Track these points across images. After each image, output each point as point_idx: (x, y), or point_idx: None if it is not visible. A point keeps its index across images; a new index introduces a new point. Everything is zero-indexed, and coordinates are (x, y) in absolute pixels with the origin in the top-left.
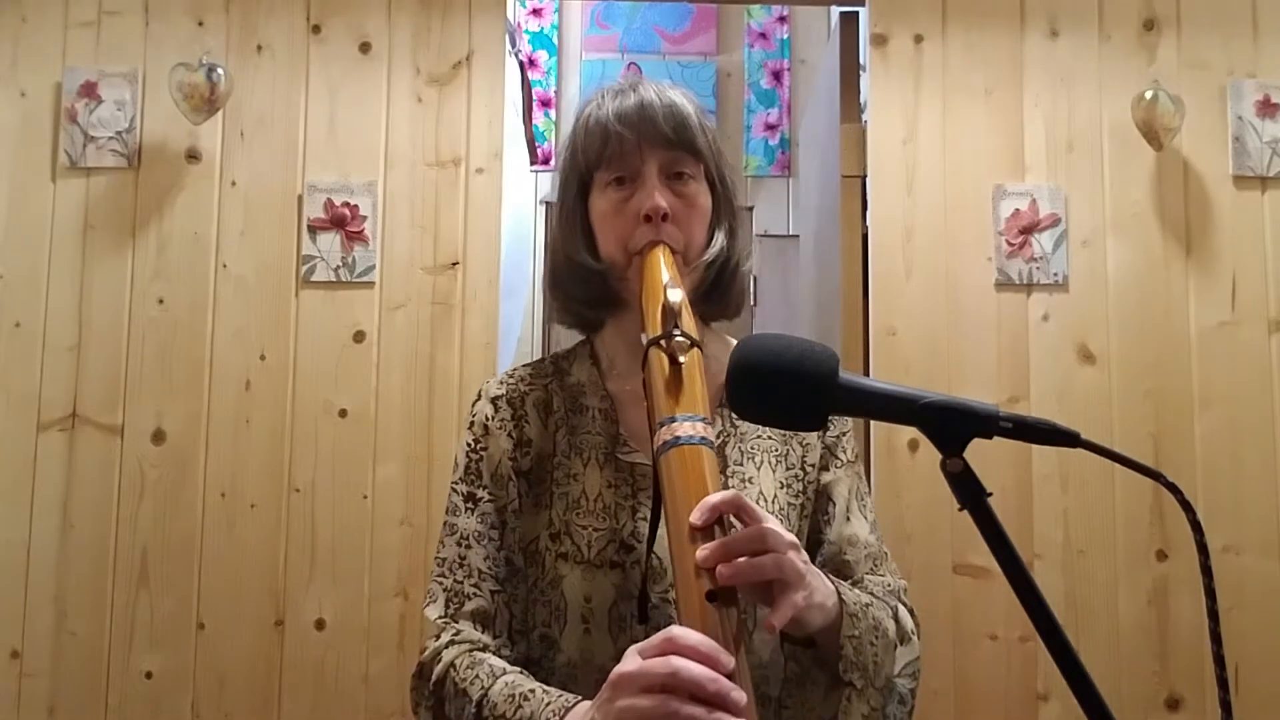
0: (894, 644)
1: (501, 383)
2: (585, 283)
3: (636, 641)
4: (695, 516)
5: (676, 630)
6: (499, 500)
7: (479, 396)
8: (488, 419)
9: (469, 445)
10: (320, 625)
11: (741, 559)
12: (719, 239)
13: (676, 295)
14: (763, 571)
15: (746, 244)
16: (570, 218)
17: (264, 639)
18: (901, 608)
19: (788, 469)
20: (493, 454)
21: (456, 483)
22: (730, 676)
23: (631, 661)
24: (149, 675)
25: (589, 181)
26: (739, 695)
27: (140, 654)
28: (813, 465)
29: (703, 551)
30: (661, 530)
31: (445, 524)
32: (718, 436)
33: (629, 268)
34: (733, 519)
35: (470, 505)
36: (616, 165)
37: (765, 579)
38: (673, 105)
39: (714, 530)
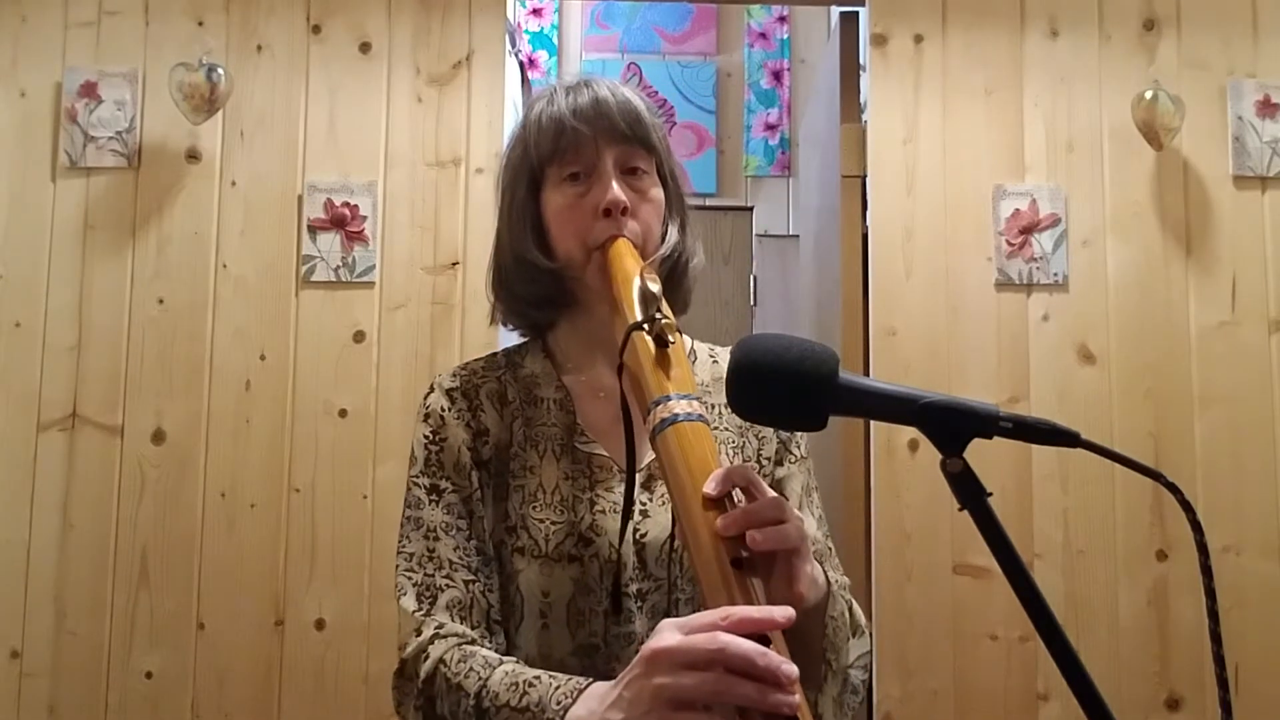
0: (849, 635)
1: (455, 375)
2: (535, 282)
3: (595, 636)
4: (709, 486)
5: (730, 608)
6: (463, 490)
7: (431, 389)
8: (443, 410)
9: (426, 438)
10: (320, 625)
11: (770, 528)
12: (673, 233)
13: (655, 283)
14: (787, 539)
15: (695, 241)
16: (520, 216)
17: (264, 639)
18: (853, 601)
19: (744, 461)
20: (451, 444)
21: (416, 476)
22: (767, 641)
23: (670, 636)
24: (149, 675)
25: (540, 178)
26: (790, 668)
27: (140, 654)
28: (768, 459)
29: (724, 519)
30: (617, 522)
31: (407, 519)
32: None
33: (586, 264)
34: (738, 493)
35: (434, 497)
36: (572, 160)
37: (789, 548)
38: (626, 101)
39: (724, 503)
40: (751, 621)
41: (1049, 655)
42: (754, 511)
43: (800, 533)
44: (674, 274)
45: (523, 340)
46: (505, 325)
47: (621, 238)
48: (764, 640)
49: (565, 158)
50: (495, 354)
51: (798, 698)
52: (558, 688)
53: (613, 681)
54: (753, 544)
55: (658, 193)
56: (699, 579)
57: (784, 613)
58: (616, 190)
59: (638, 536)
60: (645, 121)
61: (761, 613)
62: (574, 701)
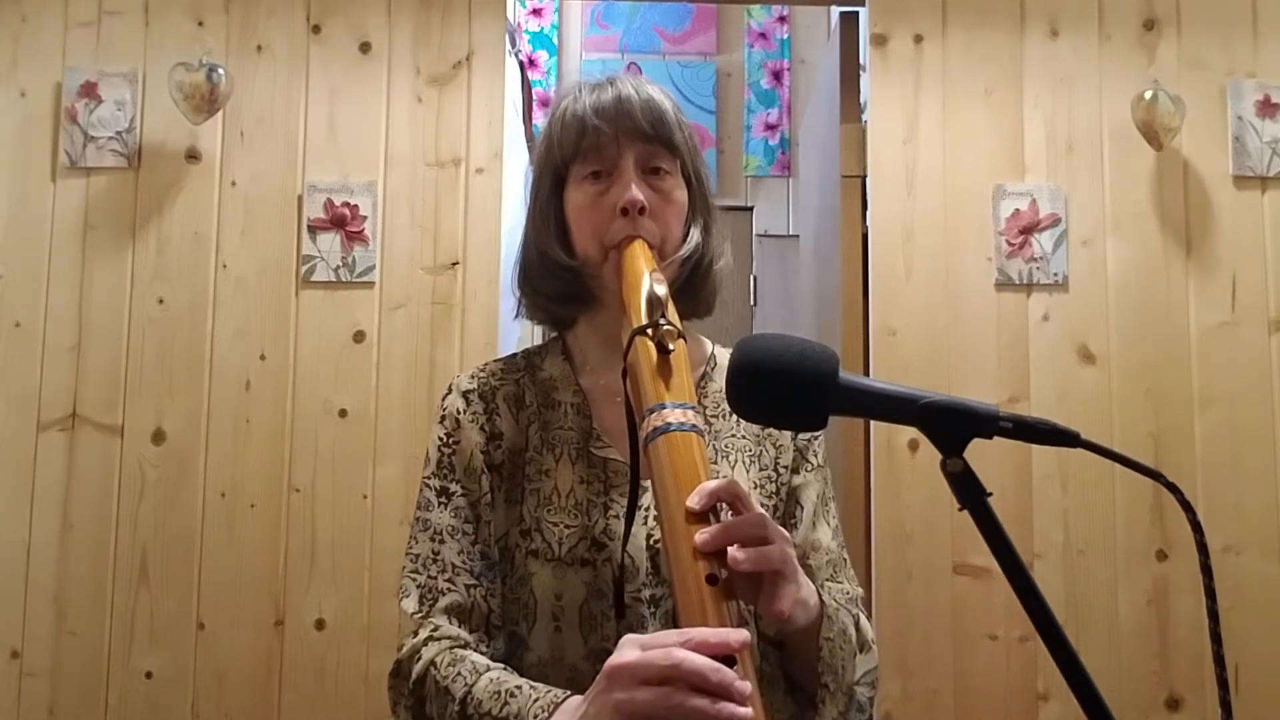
0: (855, 651)
1: (473, 377)
2: (557, 279)
3: (608, 640)
4: (693, 500)
5: (690, 628)
6: (472, 494)
7: (449, 390)
8: (459, 413)
9: (440, 440)
10: (320, 625)
11: (752, 548)
12: (694, 235)
13: (661, 286)
14: (769, 561)
15: (721, 243)
16: (544, 212)
17: (264, 639)
18: (862, 616)
19: (761, 469)
20: (464, 448)
21: (428, 478)
22: (733, 661)
23: (630, 652)
24: (149, 675)
25: (564, 175)
26: (744, 685)
27: (140, 654)
28: (785, 467)
29: (703, 535)
30: (636, 526)
31: (417, 520)
32: None
33: (604, 263)
34: (725, 507)
35: (443, 500)
36: (593, 159)
37: (771, 569)
38: (650, 100)
39: (708, 517)
40: (709, 645)
41: (1049, 655)
42: (734, 527)
43: (783, 554)
44: (695, 276)
45: (542, 343)
46: (530, 320)
47: (638, 238)
48: (729, 660)
49: (587, 157)
50: (515, 355)
51: (750, 711)
52: (536, 700)
53: (583, 696)
54: (733, 564)
55: (680, 194)
56: (675, 592)
57: (739, 636)
58: (634, 190)
59: (651, 542)
60: (669, 121)
61: (718, 636)
62: (549, 715)
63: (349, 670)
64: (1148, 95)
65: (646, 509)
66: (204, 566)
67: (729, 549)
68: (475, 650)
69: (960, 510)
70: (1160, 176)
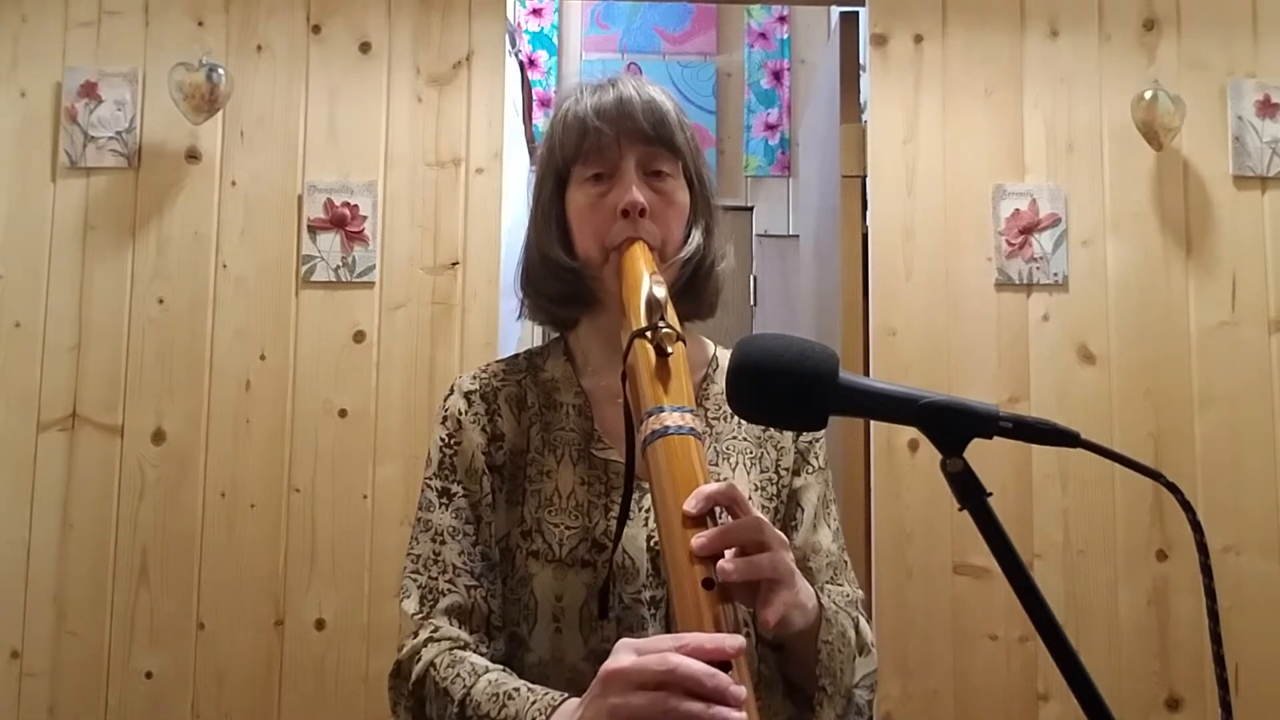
0: (854, 654)
1: (474, 377)
2: (559, 280)
3: (608, 641)
4: (690, 504)
5: (685, 633)
6: (473, 495)
7: (451, 391)
8: (460, 413)
9: (442, 440)
10: (320, 625)
11: (741, 558)
12: (695, 237)
13: (661, 289)
14: (759, 569)
15: (723, 244)
16: (546, 214)
17: (264, 639)
18: (861, 619)
19: (762, 471)
20: (466, 448)
21: (430, 478)
22: (729, 666)
23: (625, 657)
24: (149, 675)
25: (566, 177)
26: (739, 690)
27: (140, 654)
28: (786, 469)
29: (699, 539)
30: (631, 528)
31: (418, 520)
32: None
33: (605, 264)
34: (723, 511)
35: (444, 501)
36: (594, 160)
37: (762, 577)
38: (651, 101)
39: (705, 521)
40: (704, 650)
41: (1049, 655)
42: (731, 531)
43: (774, 561)
44: (696, 278)
45: (544, 344)
46: (532, 321)
47: (638, 240)
48: (725, 665)
49: (588, 158)
50: (517, 356)
51: (744, 715)
52: (534, 702)
53: (579, 699)
54: (723, 574)
55: (682, 195)
56: (672, 596)
57: (734, 642)
58: (635, 192)
59: (651, 544)
60: (670, 122)
61: (714, 641)
62: (546, 718)
63: (349, 670)
64: (1148, 95)
65: (648, 511)
66: (204, 566)
67: (719, 562)
68: (475, 651)
69: (960, 510)
70: (1160, 176)
